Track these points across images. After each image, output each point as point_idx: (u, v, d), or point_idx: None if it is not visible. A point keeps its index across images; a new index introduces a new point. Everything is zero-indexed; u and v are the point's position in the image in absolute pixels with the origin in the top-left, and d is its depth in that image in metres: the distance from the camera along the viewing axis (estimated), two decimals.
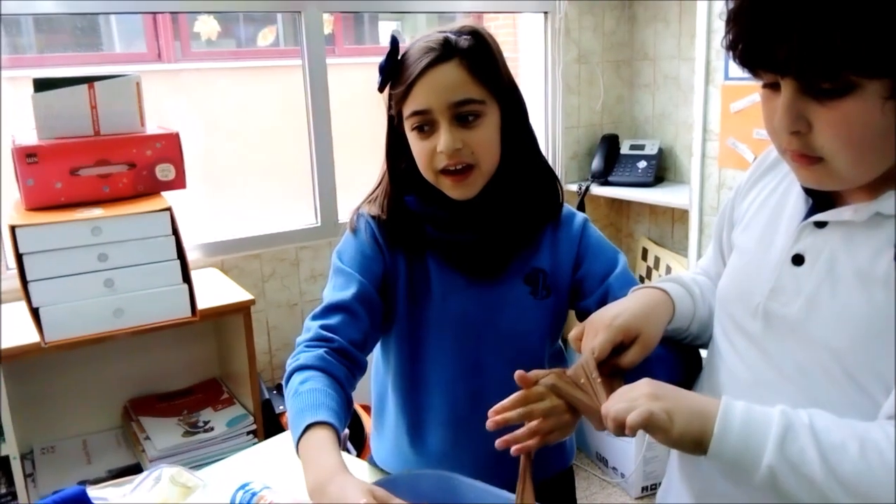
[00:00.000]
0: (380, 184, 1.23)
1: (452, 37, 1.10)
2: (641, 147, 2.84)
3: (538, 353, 1.23)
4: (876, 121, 0.74)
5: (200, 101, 2.36)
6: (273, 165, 2.49)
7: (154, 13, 2.84)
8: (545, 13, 2.82)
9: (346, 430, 2.05)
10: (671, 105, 2.86)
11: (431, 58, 1.08)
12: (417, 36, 1.15)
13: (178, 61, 3.32)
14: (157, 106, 2.14)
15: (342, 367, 1.10)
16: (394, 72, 1.13)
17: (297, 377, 1.07)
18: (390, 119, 1.18)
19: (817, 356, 0.83)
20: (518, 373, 0.97)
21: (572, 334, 0.99)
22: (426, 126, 1.11)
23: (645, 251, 3.00)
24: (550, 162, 2.89)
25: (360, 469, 1.34)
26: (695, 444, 0.80)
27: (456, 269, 1.19)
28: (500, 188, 1.16)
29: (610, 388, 0.90)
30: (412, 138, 1.14)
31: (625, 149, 2.88)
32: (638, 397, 0.82)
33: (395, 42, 1.12)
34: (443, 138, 1.09)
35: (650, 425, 0.79)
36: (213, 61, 3.40)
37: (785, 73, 0.76)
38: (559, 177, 2.88)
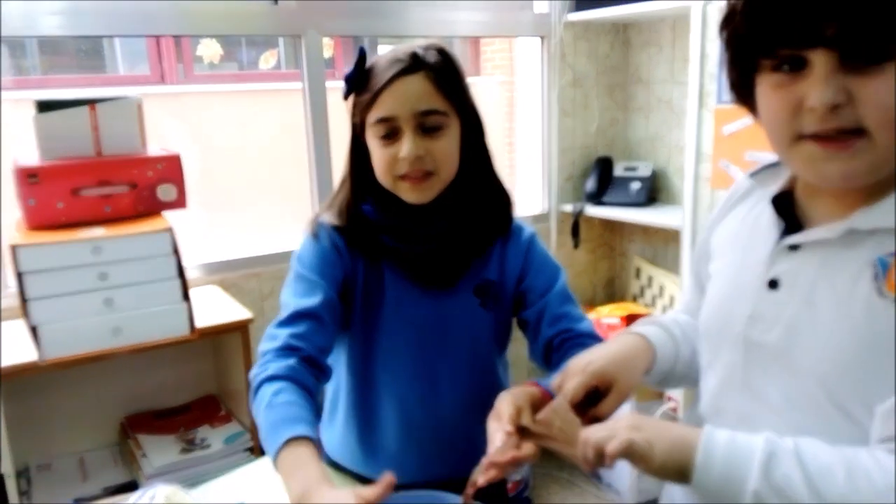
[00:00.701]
0: (339, 192, 1.26)
1: (420, 51, 1.15)
2: (635, 169, 2.87)
3: (488, 361, 1.28)
4: None
5: (202, 123, 2.39)
6: (273, 186, 2.51)
7: (157, 36, 2.88)
8: (541, 38, 2.85)
9: None
10: (664, 128, 2.90)
11: (399, 68, 1.13)
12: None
13: (180, 83, 3.35)
14: (159, 127, 2.17)
15: (311, 376, 1.11)
16: (360, 81, 1.17)
17: (268, 387, 1.07)
18: (354, 127, 1.22)
19: (802, 384, 0.81)
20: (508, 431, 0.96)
21: (554, 383, 0.99)
22: (390, 133, 1.14)
23: (638, 270, 3.02)
24: (546, 183, 2.94)
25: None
26: (678, 473, 0.78)
27: (410, 279, 1.22)
28: (455, 200, 1.20)
29: None
30: (375, 145, 1.17)
31: (618, 171, 2.91)
32: (619, 428, 0.80)
33: (363, 53, 1.16)
34: (406, 145, 1.13)
35: (631, 454, 0.78)
36: (216, 84, 3.43)
37: (818, 44, 0.71)
38: (554, 197, 2.92)
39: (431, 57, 1.15)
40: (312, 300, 1.17)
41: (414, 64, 1.14)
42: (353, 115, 1.21)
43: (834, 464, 0.73)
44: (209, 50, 3.35)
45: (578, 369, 0.95)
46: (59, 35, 2.01)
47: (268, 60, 3.61)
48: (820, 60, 0.72)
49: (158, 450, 1.97)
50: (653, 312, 2.80)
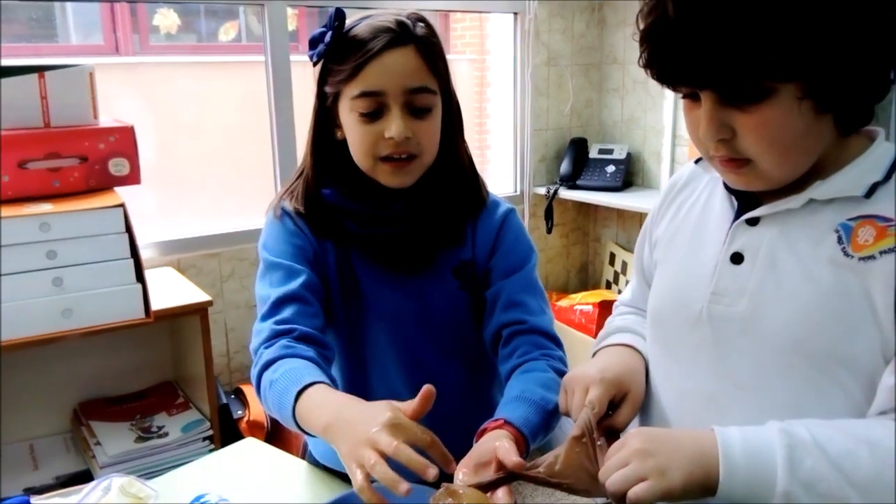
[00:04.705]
0: (300, 175, 1.17)
1: (407, 21, 1.06)
2: (610, 151, 2.84)
3: (474, 345, 1.20)
4: (795, 121, 0.78)
5: (159, 96, 2.29)
6: (234, 163, 2.43)
7: (111, 2, 2.75)
8: (515, 14, 2.79)
9: None
10: (640, 110, 2.86)
11: (388, 39, 1.03)
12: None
13: (136, 54, 3.23)
14: (113, 100, 2.07)
15: (310, 349, 1.03)
16: (338, 47, 1.06)
17: (267, 375, 0.99)
18: (322, 97, 1.12)
19: (775, 351, 0.82)
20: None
21: (562, 405, 0.95)
22: (375, 109, 1.05)
23: (612, 256, 2.99)
24: (519, 164, 2.89)
25: (297, 468, 1.29)
26: (701, 490, 0.76)
27: (382, 266, 1.15)
28: (427, 182, 1.13)
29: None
30: (353, 121, 1.07)
31: (593, 153, 2.87)
32: (629, 457, 0.78)
33: (342, 15, 1.06)
34: (394, 125, 1.04)
35: (651, 501, 0.76)
36: (173, 55, 3.32)
37: (703, 86, 0.79)
38: (527, 179, 2.87)
39: (420, 29, 1.07)
40: (292, 284, 1.08)
41: (404, 35, 1.04)
42: (324, 83, 1.10)
43: (853, 445, 0.74)
44: (166, 20, 3.23)
45: (594, 379, 0.92)
46: (10, 1, 1.91)
47: (228, 32, 3.50)
48: (706, 99, 0.81)
49: (113, 437, 1.90)
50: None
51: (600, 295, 2.75)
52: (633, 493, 0.76)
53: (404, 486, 0.76)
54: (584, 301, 2.69)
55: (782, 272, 0.83)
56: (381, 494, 0.80)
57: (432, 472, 0.77)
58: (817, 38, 0.74)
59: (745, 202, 0.89)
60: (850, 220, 0.81)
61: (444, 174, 1.15)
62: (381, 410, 0.84)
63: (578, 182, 2.80)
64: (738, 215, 0.89)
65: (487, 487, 0.85)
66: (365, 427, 0.82)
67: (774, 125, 0.78)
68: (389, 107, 1.04)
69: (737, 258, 0.87)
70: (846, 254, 0.80)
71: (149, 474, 1.23)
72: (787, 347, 0.81)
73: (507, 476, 0.86)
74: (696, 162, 0.99)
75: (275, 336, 1.03)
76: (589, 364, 0.99)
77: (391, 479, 0.77)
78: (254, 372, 1.03)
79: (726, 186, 0.92)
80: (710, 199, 0.95)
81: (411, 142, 1.06)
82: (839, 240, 0.80)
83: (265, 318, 1.07)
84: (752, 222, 0.87)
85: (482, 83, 3.15)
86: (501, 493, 0.85)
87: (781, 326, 0.82)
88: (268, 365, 1.00)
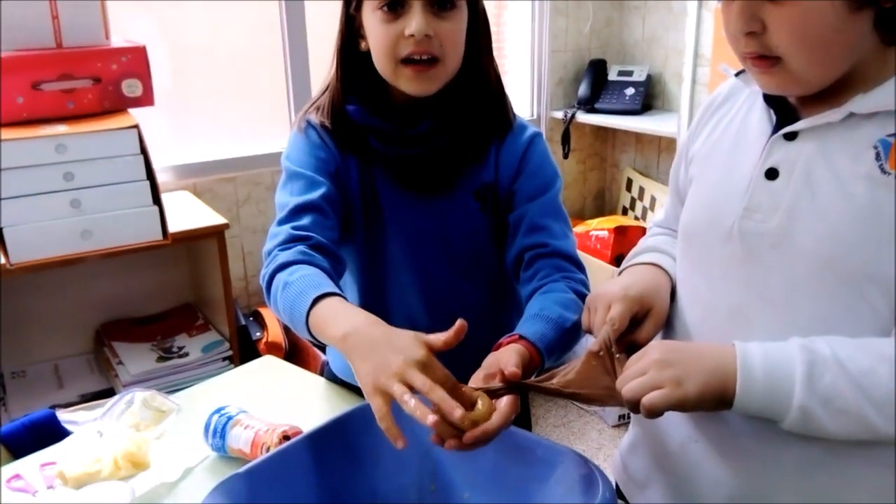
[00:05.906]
0: (326, 90, 1.16)
1: None
2: (630, 73, 2.78)
3: (494, 269, 1.20)
4: (827, 16, 0.75)
5: (170, 20, 2.25)
6: (247, 87, 2.39)
7: None
8: None
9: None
10: (661, 28, 2.78)
11: None
12: None
13: None
14: (125, 23, 2.04)
15: (325, 260, 1.03)
16: None
17: (282, 275, 0.99)
18: (347, 2, 1.10)
19: (806, 267, 0.81)
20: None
21: (585, 322, 0.95)
22: (396, 5, 1.03)
23: (630, 181, 2.96)
24: (535, 87, 2.83)
25: (316, 384, 1.32)
26: (717, 402, 0.77)
27: (402, 186, 1.14)
28: (447, 99, 1.10)
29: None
30: (375, 21, 1.05)
31: (612, 75, 2.81)
32: (647, 367, 0.79)
33: None
34: (415, 20, 1.01)
35: (665, 409, 0.77)
36: None
37: None
38: (544, 103, 2.82)
39: None
40: (313, 194, 1.08)
41: None
42: None
43: (874, 363, 0.74)
44: None
45: (616, 296, 0.92)
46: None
47: None
48: None
49: (135, 357, 1.94)
50: (645, 225, 2.76)
51: (616, 221, 2.73)
52: (647, 399, 0.77)
53: (432, 417, 0.77)
54: (599, 227, 2.67)
55: (817, 188, 0.81)
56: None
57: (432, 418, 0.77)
58: None
59: (784, 116, 0.86)
60: (889, 135, 0.78)
61: (470, 90, 1.12)
62: (413, 345, 0.83)
63: (596, 105, 2.76)
64: (776, 130, 0.86)
65: (495, 394, 0.86)
66: (392, 356, 0.82)
67: (807, 18, 0.75)
68: (410, 3, 1.02)
69: (772, 174, 0.85)
70: (883, 171, 0.77)
71: (170, 392, 1.26)
72: (818, 263, 0.80)
73: (516, 385, 0.86)
74: (737, 75, 0.96)
75: (292, 240, 1.04)
76: (613, 282, 0.99)
77: (422, 412, 0.77)
78: (265, 272, 1.03)
79: (766, 99, 0.89)
80: (749, 114, 0.93)
81: (433, 42, 1.03)
82: (877, 156, 0.78)
83: (283, 222, 1.07)
84: (790, 137, 0.84)
85: (500, 4, 3.07)
86: (505, 401, 0.85)
87: (814, 242, 0.80)
88: (283, 267, 1.00)
